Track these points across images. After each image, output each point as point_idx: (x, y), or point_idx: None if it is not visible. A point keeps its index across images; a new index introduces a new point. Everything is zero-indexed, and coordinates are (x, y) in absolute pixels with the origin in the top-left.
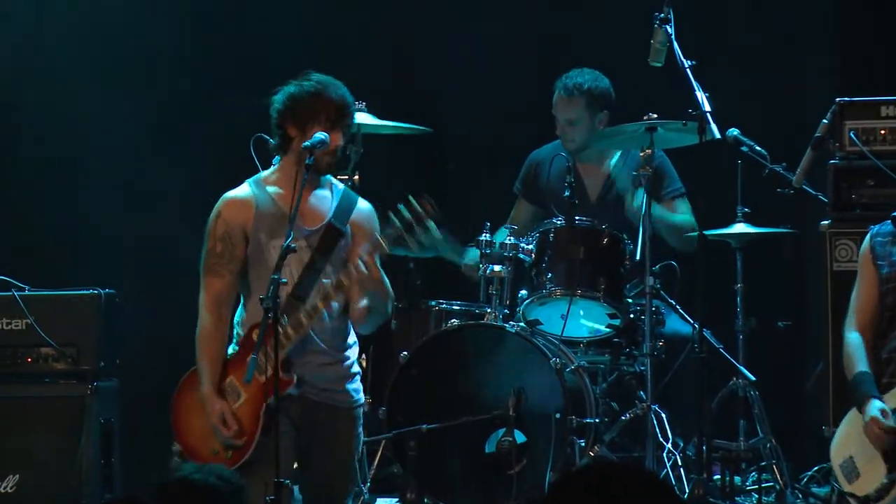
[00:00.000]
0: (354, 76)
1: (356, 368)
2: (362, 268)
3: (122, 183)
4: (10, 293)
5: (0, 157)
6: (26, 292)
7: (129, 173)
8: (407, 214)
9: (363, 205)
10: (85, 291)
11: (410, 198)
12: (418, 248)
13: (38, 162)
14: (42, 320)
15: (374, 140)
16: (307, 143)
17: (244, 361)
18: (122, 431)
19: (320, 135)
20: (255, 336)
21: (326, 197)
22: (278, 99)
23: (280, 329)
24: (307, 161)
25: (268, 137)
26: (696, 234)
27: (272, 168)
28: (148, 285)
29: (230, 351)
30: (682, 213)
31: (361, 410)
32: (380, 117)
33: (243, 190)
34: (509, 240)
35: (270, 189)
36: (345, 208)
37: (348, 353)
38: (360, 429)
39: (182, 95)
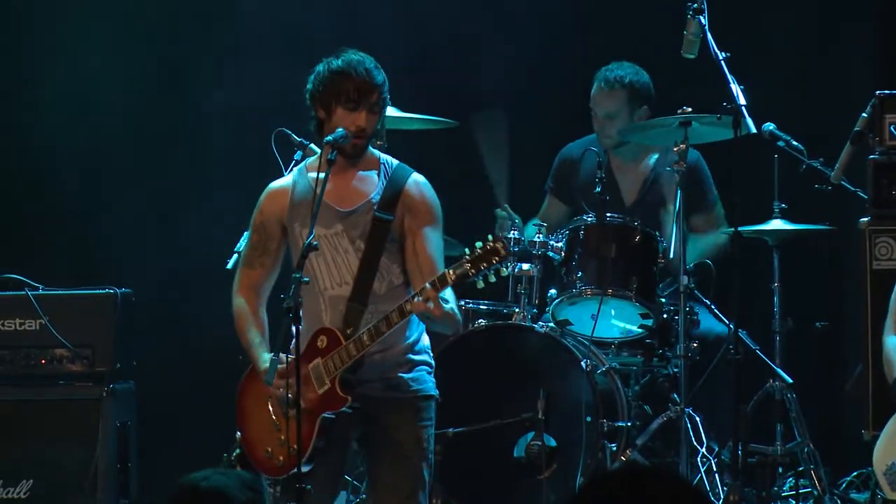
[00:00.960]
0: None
1: (421, 357)
2: (429, 304)
3: (139, 179)
4: (24, 292)
5: (13, 152)
6: (40, 291)
7: (146, 169)
8: (480, 252)
9: (415, 179)
10: (100, 290)
11: (489, 237)
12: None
13: (52, 157)
14: (56, 320)
15: (398, 134)
16: (329, 138)
17: (305, 367)
18: (139, 435)
19: (341, 130)
20: (319, 342)
21: (371, 177)
22: (309, 80)
23: (343, 342)
24: (329, 157)
25: (289, 132)
26: (731, 230)
27: (318, 154)
28: (165, 284)
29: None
30: (717, 223)
31: (430, 403)
32: (404, 110)
33: (286, 178)
34: (538, 237)
35: (311, 175)
36: (392, 190)
37: (407, 337)
38: (426, 423)
39: (202, 93)
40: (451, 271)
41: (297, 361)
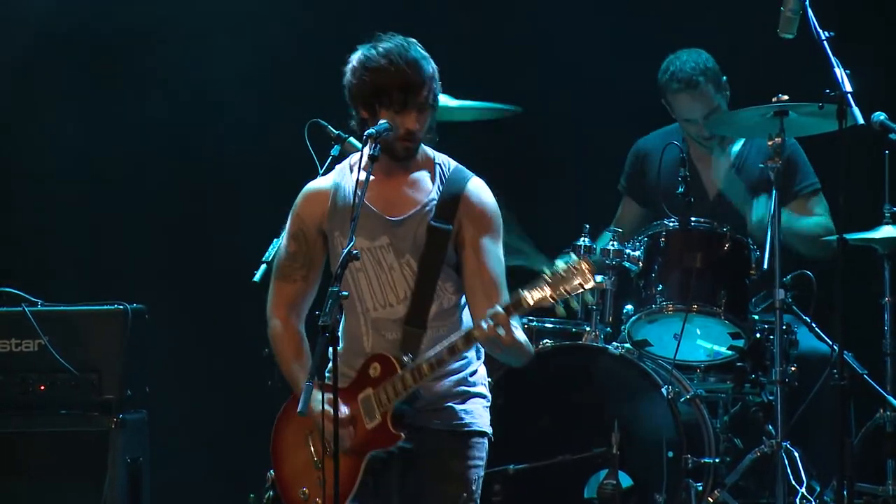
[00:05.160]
0: (429, 49)
1: (477, 389)
2: (499, 331)
3: (152, 182)
4: (20, 308)
5: (18, 159)
6: (39, 307)
7: (160, 171)
8: (563, 274)
9: (475, 186)
10: (108, 306)
11: (572, 254)
12: (562, 310)
13: (54, 159)
14: (58, 341)
15: (452, 126)
16: (371, 131)
17: (354, 398)
18: (153, 471)
19: (385, 122)
20: (372, 370)
21: (424, 181)
22: (345, 75)
23: (398, 371)
24: (372, 152)
25: (324, 123)
26: (833, 237)
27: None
28: (183, 299)
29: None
30: (816, 214)
31: (482, 441)
32: (458, 97)
33: (327, 179)
34: (613, 245)
35: (355, 176)
36: (450, 196)
37: (463, 365)
38: (478, 462)
39: (217, 99)
40: (527, 294)
41: (334, 388)
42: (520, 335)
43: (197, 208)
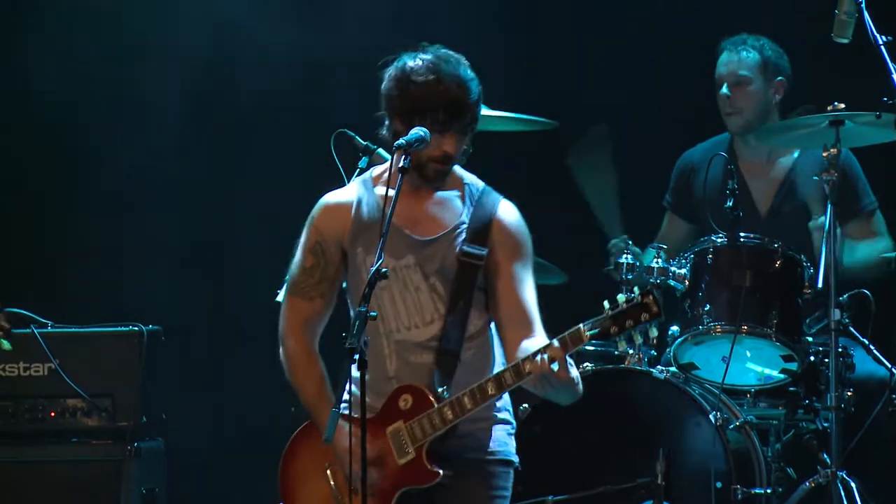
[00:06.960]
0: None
1: (502, 414)
2: (554, 366)
3: (170, 198)
4: (30, 330)
5: (25, 174)
6: (49, 329)
7: (178, 187)
8: (625, 307)
9: (506, 210)
10: (122, 328)
11: (636, 290)
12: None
13: (67, 179)
14: (69, 364)
15: (487, 137)
16: (401, 142)
17: (383, 431)
18: (169, 503)
19: (419, 131)
20: (402, 402)
21: (453, 202)
22: (384, 80)
23: (433, 404)
24: (402, 164)
25: (352, 134)
26: (893, 254)
27: (387, 163)
28: (200, 321)
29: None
30: (877, 235)
31: (507, 470)
32: (494, 108)
33: (347, 191)
34: (657, 262)
35: (379, 190)
36: (481, 220)
37: None
38: (503, 492)
39: (239, 110)
40: (585, 328)
41: (362, 414)
42: (574, 372)
43: (215, 225)
